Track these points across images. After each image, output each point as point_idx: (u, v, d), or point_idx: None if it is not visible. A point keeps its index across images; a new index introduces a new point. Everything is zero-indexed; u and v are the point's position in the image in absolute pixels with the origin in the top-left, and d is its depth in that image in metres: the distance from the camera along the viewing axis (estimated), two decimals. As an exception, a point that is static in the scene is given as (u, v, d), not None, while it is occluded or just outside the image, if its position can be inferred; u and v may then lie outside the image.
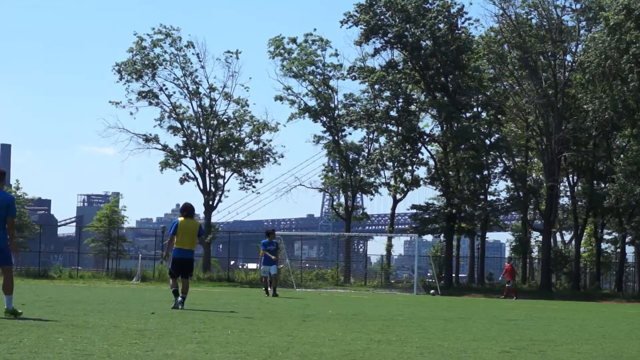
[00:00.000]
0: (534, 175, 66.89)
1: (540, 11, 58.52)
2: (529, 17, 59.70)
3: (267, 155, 64.98)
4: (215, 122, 63.81)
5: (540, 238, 64.69)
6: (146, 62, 63.16)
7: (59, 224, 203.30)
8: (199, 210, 62.57)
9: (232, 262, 73.79)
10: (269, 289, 31.80)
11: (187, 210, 20.19)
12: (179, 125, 64.26)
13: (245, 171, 64.76)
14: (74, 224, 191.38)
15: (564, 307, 33.81)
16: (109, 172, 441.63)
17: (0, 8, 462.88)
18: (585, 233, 65.49)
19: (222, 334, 12.87)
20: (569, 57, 59.55)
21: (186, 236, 19.77)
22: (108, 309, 18.69)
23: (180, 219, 19.95)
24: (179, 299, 19.29)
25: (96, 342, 10.91)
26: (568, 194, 64.78)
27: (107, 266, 63.18)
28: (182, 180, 64.19)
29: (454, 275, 64.59)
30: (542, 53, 58.81)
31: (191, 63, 64.07)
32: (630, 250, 63.98)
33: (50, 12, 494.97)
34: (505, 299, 46.59)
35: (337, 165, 69.35)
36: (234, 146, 63.97)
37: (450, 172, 62.17)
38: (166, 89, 64.15)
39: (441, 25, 60.49)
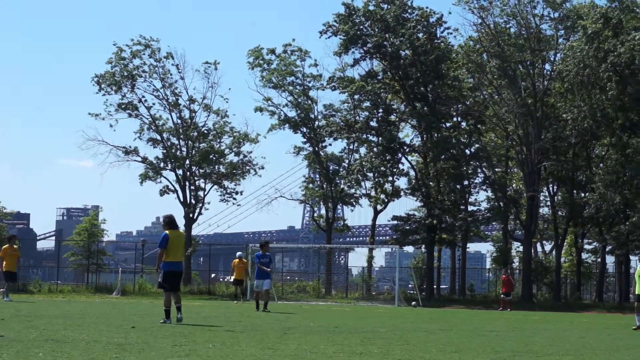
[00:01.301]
0: (514, 185, 66.97)
1: (518, 20, 58.66)
2: (508, 26, 59.84)
3: (247, 167, 64.93)
4: (195, 134, 63.69)
5: (521, 248, 64.76)
6: (125, 74, 62.96)
7: (38, 237, 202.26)
8: (180, 223, 62.29)
9: (212, 275, 73.49)
10: (259, 302, 30.12)
11: (173, 222, 20.17)
12: (158, 137, 64.07)
13: (226, 183, 64.64)
14: (53, 237, 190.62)
15: (545, 318, 33.87)
16: (89, 185, 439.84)
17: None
18: (565, 243, 65.61)
19: (203, 347, 12.80)
20: (547, 66, 59.74)
21: (176, 248, 19.64)
22: (88, 323, 18.58)
23: (168, 231, 19.73)
24: (177, 306, 19.31)
25: (76, 356, 10.82)
26: (548, 203, 64.93)
27: (87, 280, 62.78)
28: (162, 193, 64.01)
29: (435, 286, 64.60)
30: (521, 62, 58.93)
31: (170, 74, 63.97)
32: (610, 260, 64.13)
33: (26, 23, 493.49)
34: (504, 310, 46.84)
35: (317, 176, 69.36)
36: (214, 158, 63.83)
37: (431, 183, 62.22)
38: (145, 100, 64.00)
39: (420, 35, 60.61)
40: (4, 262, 33.39)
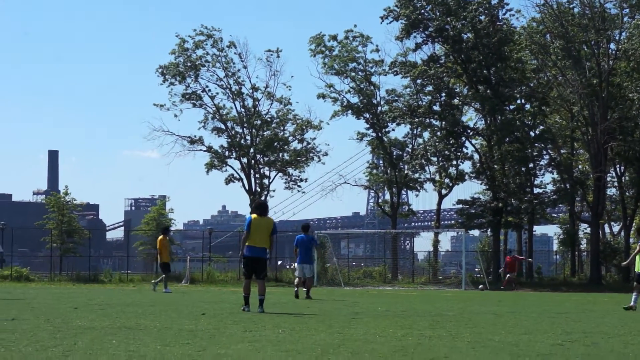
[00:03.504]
0: (580, 166, 66.27)
1: (582, 0, 57.96)
2: (571, 6, 59.06)
3: (311, 154, 65.04)
4: (259, 122, 63.95)
5: (589, 230, 64.09)
6: (189, 64, 63.42)
7: (107, 228, 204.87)
8: (246, 210, 62.71)
9: (279, 262, 73.84)
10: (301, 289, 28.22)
11: (261, 207, 19.72)
12: (223, 126, 64.48)
13: (290, 170, 64.88)
14: (122, 228, 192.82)
15: (615, 299, 33.51)
16: (155, 176, 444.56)
17: (43, 17, 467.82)
18: (634, 224, 64.80)
19: (273, 332, 12.91)
20: (612, 46, 58.83)
21: (259, 233, 19.09)
22: (159, 310, 18.82)
23: (254, 216, 19.30)
24: (259, 298, 18.79)
25: (149, 343, 10.99)
26: (615, 184, 64.16)
27: (155, 269, 63.48)
28: (227, 181, 64.47)
29: (501, 269, 64.24)
30: (585, 42, 58.19)
31: (233, 63, 64.26)
32: (680, 239, 63.16)
33: (92, 17, 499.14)
34: (505, 290, 47.75)
35: (381, 162, 69.29)
36: (278, 146, 64.09)
37: (496, 166, 61.80)
38: (209, 90, 64.46)
39: (482, 18, 60.13)
40: (162, 254, 33.83)
